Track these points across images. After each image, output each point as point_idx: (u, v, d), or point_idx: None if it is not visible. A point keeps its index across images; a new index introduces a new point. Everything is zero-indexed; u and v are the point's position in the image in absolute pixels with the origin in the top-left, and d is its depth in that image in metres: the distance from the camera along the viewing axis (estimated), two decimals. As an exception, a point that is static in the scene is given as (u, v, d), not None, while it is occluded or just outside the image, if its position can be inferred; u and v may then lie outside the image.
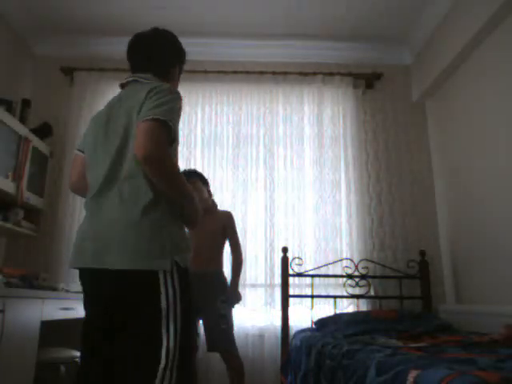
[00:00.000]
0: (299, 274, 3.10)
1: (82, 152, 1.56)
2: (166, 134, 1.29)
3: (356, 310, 3.08)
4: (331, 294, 3.12)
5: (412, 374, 1.28)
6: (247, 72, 3.52)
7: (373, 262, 3.18)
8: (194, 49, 3.57)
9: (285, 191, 3.32)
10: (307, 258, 3.19)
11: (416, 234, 3.33)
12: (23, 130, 2.94)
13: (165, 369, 1.26)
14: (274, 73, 3.52)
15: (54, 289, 2.56)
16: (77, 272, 1.47)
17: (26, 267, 3.02)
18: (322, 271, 3.12)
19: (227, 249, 2.75)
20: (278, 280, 3.10)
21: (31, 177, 3.01)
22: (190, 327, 1.37)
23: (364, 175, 3.39)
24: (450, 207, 3.20)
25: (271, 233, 3.22)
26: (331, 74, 3.54)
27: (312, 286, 3.08)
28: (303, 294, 3.11)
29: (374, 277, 3.15)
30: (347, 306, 3.12)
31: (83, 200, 1.52)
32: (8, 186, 2.76)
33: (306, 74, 3.53)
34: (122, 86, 1.56)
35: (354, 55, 3.64)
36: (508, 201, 2.50)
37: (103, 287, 1.37)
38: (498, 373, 1.17)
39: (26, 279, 2.45)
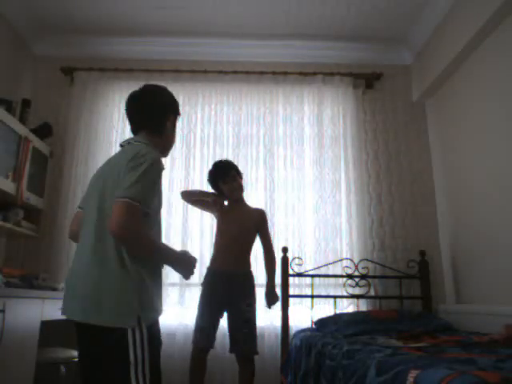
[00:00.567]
0: (299, 274, 3.10)
1: (82, 208, 1.65)
2: (137, 212, 1.37)
3: (356, 310, 3.08)
4: (331, 294, 3.12)
5: (412, 374, 1.28)
6: (247, 72, 3.52)
7: (373, 262, 3.17)
8: (194, 49, 3.61)
9: (285, 191, 3.32)
10: (307, 258, 3.19)
11: (416, 234, 3.33)
12: (23, 130, 2.94)
13: None
14: (274, 73, 3.52)
15: (54, 289, 2.56)
16: None
17: (26, 267, 3.02)
18: (322, 271, 3.12)
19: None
20: (278, 280, 3.09)
21: (31, 177, 3.01)
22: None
23: (364, 175, 3.39)
24: (450, 207, 3.20)
25: (271, 233, 3.22)
26: (331, 74, 3.54)
27: (312, 286, 3.08)
28: (303, 294, 3.11)
29: (374, 277, 3.15)
30: (347, 306, 3.12)
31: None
32: (8, 186, 2.76)
33: (306, 74, 3.53)
34: (122, 146, 1.66)
35: (353, 55, 3.64)
36: (508, 201, 2.50)
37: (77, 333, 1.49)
38: (497, 373, 1.17)
39: (26, 279, 2.46)
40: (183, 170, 3.33)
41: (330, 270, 3.14)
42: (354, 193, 3.32)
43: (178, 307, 3.07)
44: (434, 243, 3.32)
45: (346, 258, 3.17)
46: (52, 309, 2.38)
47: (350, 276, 3.11)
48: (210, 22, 3.41)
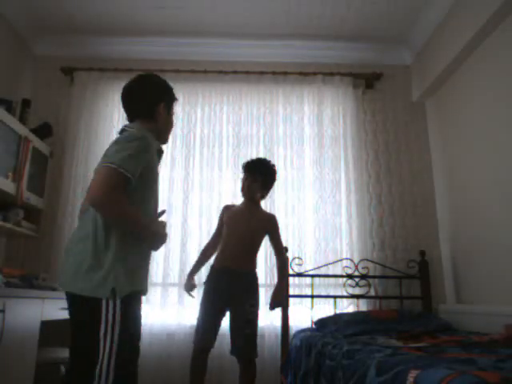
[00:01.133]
0: (299, 274, 3.10)
1: None
2: (117, 180, 1.42)
3: (356, 310, 3.08)
4: (331, 294, 3.12)
5: (412, 374, 1.28)
6: (247, 72, 3.52)
7: (373, 262, 3.17)
8: (194, 49, 3.61)
9: (285, 191, 3.31)
10: (307, 258, 3.19)
11: (416, 234, 3.33)
12: (23, 130, 2.94)
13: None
14: (274, 73, 3.52)
15: (54, 289, 2.55)
16: None
17: (26, 267, 3.03)
18: (322, 271, 3.12)
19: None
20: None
21: (31, 177, 3.01)
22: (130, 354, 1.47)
23: (364, 175, 3.39)
24: (450, 207, 3.20)
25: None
26: (331, 74, 3.54)
27: (312, 285, 3.08)
28: (303, 293, 3.11)
29: (374, 277, 3.15)
30: (347, 306, 3.12)
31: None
32: (8, 186, 2.76)
33: (306, 74, 3.53)
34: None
35: (353, 55, 3.64)
36: (508, 201, 2.50)
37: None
38: (497, 373, 1.17)
39: (26, 279, 2.46)
40: (183, 169, 3.33)
41: (330, 270, 3.14)
42: (354, 193, 3.32)
43: (178, 307, 3.07)
44: (433, 243, 3.32)
45: (346, 258, 3.17)
46: (52, 309, 2.38)
47: (350, 276, 3.11)
48: (209, 22, 3.41)
